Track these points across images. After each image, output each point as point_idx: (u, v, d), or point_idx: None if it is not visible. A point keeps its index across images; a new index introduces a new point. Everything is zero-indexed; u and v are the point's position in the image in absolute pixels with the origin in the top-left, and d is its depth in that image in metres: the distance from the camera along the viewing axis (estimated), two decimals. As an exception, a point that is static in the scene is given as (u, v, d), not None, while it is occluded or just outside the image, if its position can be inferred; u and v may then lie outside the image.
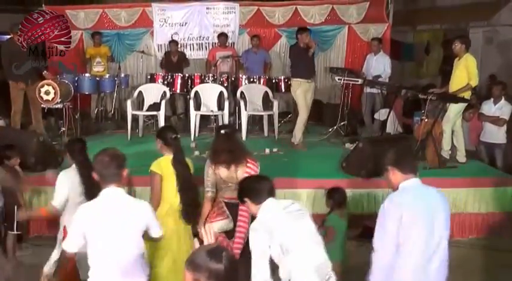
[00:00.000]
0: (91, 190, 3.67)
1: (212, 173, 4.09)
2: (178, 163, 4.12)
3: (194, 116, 8.04)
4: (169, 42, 9.62)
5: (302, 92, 7.34)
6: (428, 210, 3.11)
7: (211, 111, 8.25)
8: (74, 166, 4.24)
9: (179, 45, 9.71)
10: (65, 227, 4.01)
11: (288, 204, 3.25)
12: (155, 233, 3.25)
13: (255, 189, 3.26)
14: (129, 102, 8.06)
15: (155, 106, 8.22)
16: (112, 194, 3.07)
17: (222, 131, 4.27)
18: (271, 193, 3.26)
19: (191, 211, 4.12)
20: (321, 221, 4.46)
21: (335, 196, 4.60)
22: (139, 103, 8.70)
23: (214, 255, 1.99)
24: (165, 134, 4.24)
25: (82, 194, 4.03)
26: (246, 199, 3.27)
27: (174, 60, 9.46)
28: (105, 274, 3.01)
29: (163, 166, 4.14)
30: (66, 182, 4.13)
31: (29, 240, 5.68)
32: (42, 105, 7.37)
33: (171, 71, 9.13)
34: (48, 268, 4.36)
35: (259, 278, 2.97)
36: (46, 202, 4.02)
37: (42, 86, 7.12)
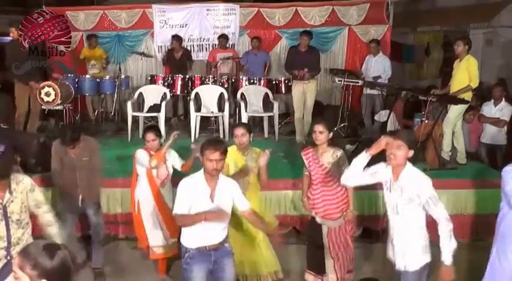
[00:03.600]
0: None
1: None
2: None
3: (194, 118, 8.04)
4: (172, 36, 9.41)
5: (297, 92, 7.65)
6: None
7: (212, 112, 8.25)
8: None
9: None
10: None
11: None
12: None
13: None
14: (129, 104, 8.06)
15: (155, 107, 8.22)
16: None
17: None
18: None
19: None
20: None
21: None
22: (139, 104, 8.70)
23: (49, 250, 2.00)
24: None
25: None
26: None
27: (177, 57, 9.31)
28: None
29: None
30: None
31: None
32: (42, 106, 7.37)
33: (174, 68, 9.09)
34: None
35: None
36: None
37: (43, 87, 7.12)
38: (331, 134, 4.47)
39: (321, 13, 10.00)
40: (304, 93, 7.63)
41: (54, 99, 7.15)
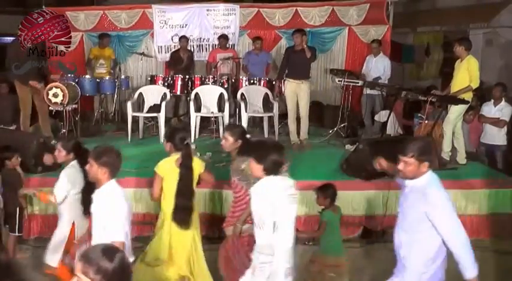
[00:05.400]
0: (91, 186, 3.72)
1: None
2: (185, 168, 4.16)
3: (194, 118, 8.04)
4: (181, 37, 9.42)
5: (289, 92, 7.66)
6: None
7: (212, 113, 8.25)
8: (74, 162, 4.30)
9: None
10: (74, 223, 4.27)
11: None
12: None
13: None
14: (129, 104, 8.06)
15: (155, 108, 8.23)
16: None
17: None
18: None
19: (183, 215, 4.17)
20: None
21: (329, 192, 4.62)
22: (139, 105, 8.70)
23: (108, 253, 2.09)
24: (176, 138, 4.28)
25: (81, 190, 4.12)
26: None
27: (183, 58, 9.26)
28: None
29: (168, 167, 4.20)
30: (68, 178, 4.21)
31: (29, 241, 5.68)
32: (50, 107, 7.36)
33: (179, 69, 9.04)
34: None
35: None
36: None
37: (51, 88, 7.12)
38: (240, 141, 4.25)
39: (320, 13, 9.99)
40: (297, 93, 7.60)
41: (62, 101, 7.16)
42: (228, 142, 4.28)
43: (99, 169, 3.37)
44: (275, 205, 3.25)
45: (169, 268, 4.20)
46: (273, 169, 3.35)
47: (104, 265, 2.05)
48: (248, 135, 4.34)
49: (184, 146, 4.21)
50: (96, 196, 3.43)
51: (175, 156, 4.21)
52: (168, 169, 4.19)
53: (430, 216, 3.21)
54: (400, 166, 3.30)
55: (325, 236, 4.53)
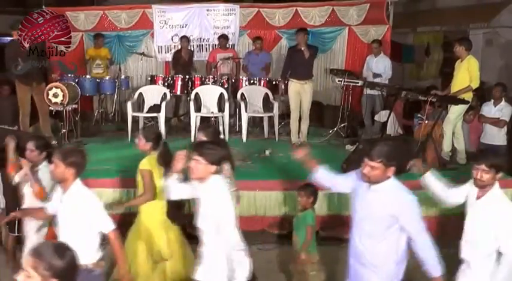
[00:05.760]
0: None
1: None
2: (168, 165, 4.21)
3: (194, 118, 8.04)
4: (182, 37, 9.44)
5: (292, 92, 7.67)
6: None
7: (212, 113, 8.25)
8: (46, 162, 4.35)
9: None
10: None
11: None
12: None
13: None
14: (129, 104, 8.06)
15: (155, 108, 8.23)
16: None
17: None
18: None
19: (176, 213, 4.29)
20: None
21: (313, 192, 4.59)
22: (139, 105, 8.70)
23: (60, 251, 2.13)
24: (155, 138, 4.43)
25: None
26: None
27: (185, 58, 9.28)
28: None
29: (154, 163, 4.30)
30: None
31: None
32: (50, 107, 7.36)
33: (179, 69, 9.06)
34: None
35: None
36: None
37: (51, 88, 7.12)
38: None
39: (321, 13, 10.00)
40: (300, 94, 7.62)
41: (62, 101, 7.16)
42: None
43: (66, 169, 3.38)
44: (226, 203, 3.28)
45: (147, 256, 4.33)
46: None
47: (54, 263, 2.08)
48: (222, 136, 4.39)
49: (163, 144, 4.35)
50: (66, 198, 3.43)
51: (154, 155, 4.32)
52: (154, 165, 4.30)
53: (400, 218, 3.20)
54: (366, 170, 3.22)
55: (304, 236, 4.52)
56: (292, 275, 4.68)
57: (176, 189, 3.51)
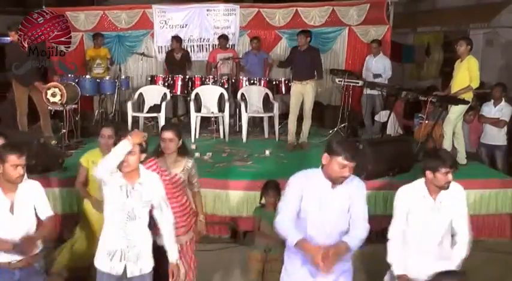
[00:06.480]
0: None
1: None
2: None
3: (194, 118, 8.04)
4: (172, 37, 9.46)
5: (295, 93, 7.67)
6: None
7: (212, 113, 8.25)
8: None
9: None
10: None
11: None
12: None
13: None
14: (129, 104, 8.06)
15: (155, 108, 8.23)
16: None
17: None
18: None
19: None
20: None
21: (278, 189, 4.44)
22: (139, 105, 8.70)
23: None
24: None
25: None
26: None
27: (177, 58, 9.32)
28: None
29: (92, 159, 4.47)
30: None
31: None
32: (49, 107, 7.36)
33: (173, 69, 9.08)
34: None
35: None
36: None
37: (49, 88, 7.12)
38: (181, 141, 4.03)
39: (321, 13, 10.00)
40: (302, 94, 7.63)
41: (60, 100, 7.15)
42: (173, 142, 3.98)
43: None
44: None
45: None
46: None
47: None
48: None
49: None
50: (20, 192, 3.45)
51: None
52: (92, 160, 4.45)
53: (355, 201, 3.45)
54: (345, 172, 3.38)
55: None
56: (264, 275, 4.51)
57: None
